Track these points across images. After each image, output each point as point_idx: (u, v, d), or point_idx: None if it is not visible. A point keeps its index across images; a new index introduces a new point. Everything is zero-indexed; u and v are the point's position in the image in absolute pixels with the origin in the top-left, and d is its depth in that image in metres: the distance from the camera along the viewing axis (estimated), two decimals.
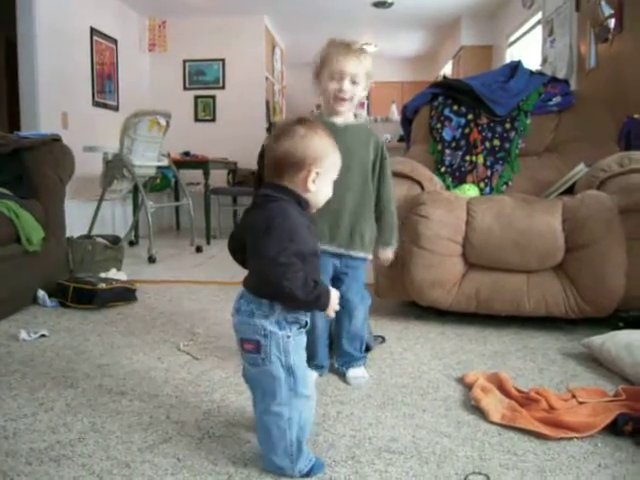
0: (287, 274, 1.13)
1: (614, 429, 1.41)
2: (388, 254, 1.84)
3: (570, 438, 1.39)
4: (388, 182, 1.80)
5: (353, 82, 1.69)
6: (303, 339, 1.26)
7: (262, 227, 1.16)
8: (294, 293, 1.14)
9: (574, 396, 1.57)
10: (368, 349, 2.02)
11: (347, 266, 1.77)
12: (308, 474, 1.22)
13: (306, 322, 1.25)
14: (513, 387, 1.64)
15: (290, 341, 1.20)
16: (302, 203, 1.22)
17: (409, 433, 1.43)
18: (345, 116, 1.76)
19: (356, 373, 1.80)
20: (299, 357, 1.22)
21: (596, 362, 1.94)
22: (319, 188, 1.22)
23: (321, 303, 1.20)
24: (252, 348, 1.21)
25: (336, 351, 1.87)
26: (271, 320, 1.19)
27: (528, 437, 1.40)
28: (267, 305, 1.19)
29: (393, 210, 1.82)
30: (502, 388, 1.64)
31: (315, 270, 1.24)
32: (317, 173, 1.20)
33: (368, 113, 8.21)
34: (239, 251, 1.26)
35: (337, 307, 1.25)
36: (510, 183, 2.92)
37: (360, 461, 1.30)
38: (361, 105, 8.54)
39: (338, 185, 1.31)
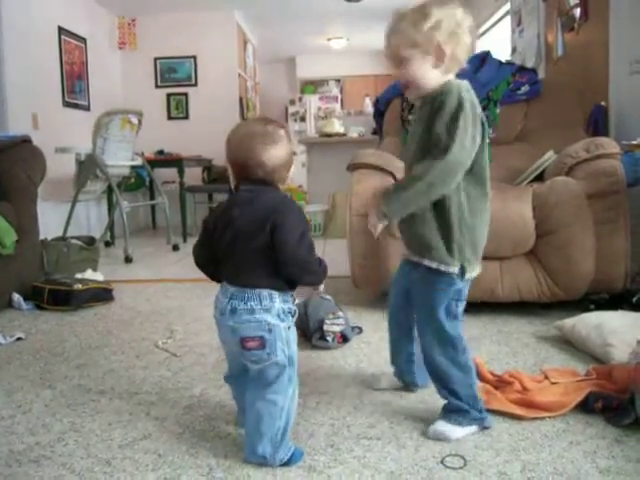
0: (312, 250, 1.23)
1: (585, 407, 1.46)
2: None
3: (543, 418, 1.43)
4: None
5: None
6: (294, 329, 1.29)
7: (282, 211, 1.19)
8: (315, 268, 1.24)
9: (547, 377, 1.61)
10: (346, 340, 2.04)
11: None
12: (288, 463, 1.24)
13: (295, 311, 1.28)
14: (488, 371, 1.68)
15: (291, 331, 1.25)
16: None
17: (387, 419, 1.46)
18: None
19: (441, 428, 1.37)
20: (295, 346, 1.27)
21: (568, 344, 1.99)
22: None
23: (325, 275, 1.28)
24: (256, 345, 1.21)
25: None
26: (272, 313, 1.21)
27: (502, 418, 1.44)
28: (267, 298, 1.21)
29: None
30: (477, 372, 1.67)
31: None
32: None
33: (342, 107, 8.23)
34: (209, 264, 1.30)
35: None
36: None
37: (339, 448, 1.32)
38: (334, 99, 8.56)
39: None
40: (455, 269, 1.34)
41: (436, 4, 1.27)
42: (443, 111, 1.24)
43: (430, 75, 1.29)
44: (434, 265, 1.34)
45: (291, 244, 1.18)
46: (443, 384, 1.39)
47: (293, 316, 1.27)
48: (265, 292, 1.21)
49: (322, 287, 1.31)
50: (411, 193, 1.27)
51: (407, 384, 1.62)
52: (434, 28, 1.24)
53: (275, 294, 1.22)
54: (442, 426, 1.36)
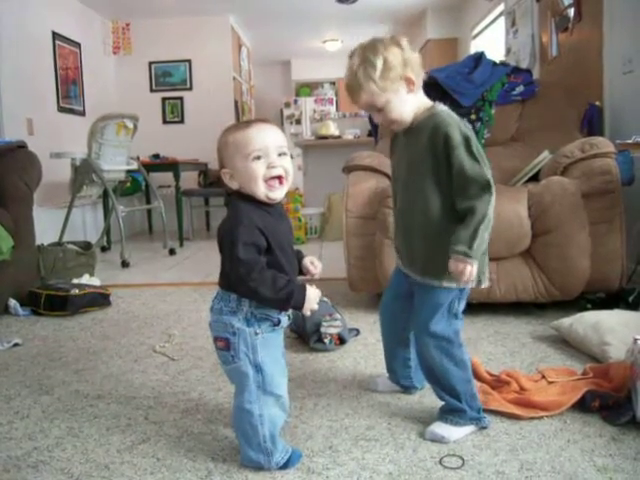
0: (252, 274, 1.14)
1: (582, 406, 1.46)
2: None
3: (540, 417, 1.43)
4: None
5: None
6: (276, 337, 1.25)
7: (222, 228, 1.19)
8: (262, 292, 1.15)
9: (544, 376, 1.62)
10: (343, 342, 2.04)
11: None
12: (285, 465, 1.24)
13: (279, 320, 1.24)
14: (485, 371, 1.68)
15: (258, 338, 1.20)
16: (249, 199, 1.21)
17: (385, 421, 1.46)
18: None
19: (439, 430, 1.37)
20: (268, 355, 1.22)
21: (565, 343, 1.99)
22: (237, 180, 1.21)
23: (294, 301, 1.18)
24: (223, 346, 1.22)
25: None
26: (239, 317, 1.20)
27: (500, 418, 1.44)
28: (235, 301, 1.20)
29: None
30: (475, 373, 1.68)
31: (288, 266, 1.23)
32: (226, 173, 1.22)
33: (337, 109, 8.23)
34: None
35: (315, 306, 1.21)
36: None
37: (338, 450, 1.32)
38: (329, 101, 8.57)
39: None
40: (472, 284, 1.35)
41: (371, 50, 1.32)
42: (453, 145, 1.28)
43: (409, 104, 1.35)
44: (453, 285, 1.34)
45: (223, 259, 1.19)
46: (441, 384, 1.39)
47: (276, 325, 1.24)
48: (234, 295, 1.20)
49: (308, 312, 1.22)
50: (483, 236, 1.27)
51: (405, 388, 1.63)
52: (388, 69, 1.30)
53: (243, 299, 1.20)
54: (439, 427, 1.36)
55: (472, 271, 1.28)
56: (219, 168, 1.25)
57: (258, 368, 1.21)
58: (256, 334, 1.20)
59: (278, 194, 1.21)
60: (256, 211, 1.20)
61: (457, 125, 1.31)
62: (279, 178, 1.20)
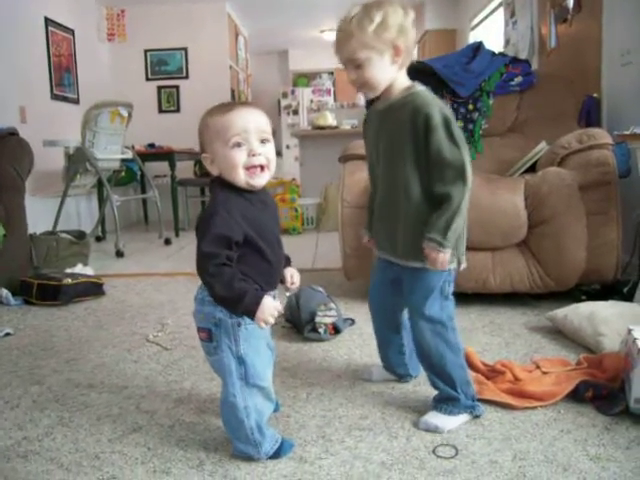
0: (209, 268, 1.10)
1: (576, 396, 1.45)
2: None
3: (534, 407, 1.43)
4: None
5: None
6: (260, 328, 1.18)
7: (200, 216, 1.16)
8: (215, 288, 1.11)
9: (538, 367, 1.61)
10: (338, 331, 2.03)
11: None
12: (276, 455, 1.23)
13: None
14: (480, 361, 1.67)
15: (241, 329, 1.17)
16: (230, 186, 1.18)
17: (378, 410, 1.45)
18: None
19: (433, 420, 1.36)
20: (251, 346, 1.18)
21: (560, 334, 1.99)
22: (219, 166, 1.18)
23: (244, 306, 1.11)
24: (205, 337, 1.20)
25: None
26: (220, 307, 1.16)
27: (494, 408, 1.43)
28: None
29: None
30: (469, 362, 1.67)
31: (271, 255, 1.19)
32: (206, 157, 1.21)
33: (334, 99, 8.19)
34: None
35: (270, 320, 1.13)
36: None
37: (330, 439, 1.31)
38: (327, 92, 8.53)
39: None
40: (453, 265, 1.35)
41: (376, 5, 1.30)
42: (432, 125, 1.26)
43: (388, 73, 1.32)
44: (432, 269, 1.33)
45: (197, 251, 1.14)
46: (436, 371, 1.39)
47: None
48: None
49: (262, 324, 1.14)
50: (458, 223, 1.28)
51: (400, 376, 1.62)
52: (383, 28, 1.27)
53: None
54: (433, 417, 1.36)
55: (445, 258, 1.29)
56: (200, 152, 1.23)
57: (241, 360, 1.18)
58: (239, 325, 1.17)
59: (259, 181, 1.17)
60: (236, 199, 1.16)
61: (438, 106, 1.28)
62: (261, 167, 1.17)
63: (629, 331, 1.46)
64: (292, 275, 1.30)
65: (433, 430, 1.33)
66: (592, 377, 1.50)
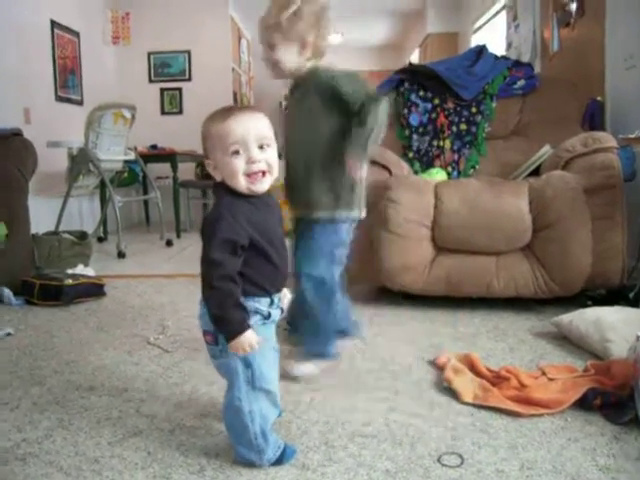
0: (212, 280, 1.10)
1: (584, 404, 1.43)
2: None
3: (541, 414, 1.41)
4: None
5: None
6: (266, 331, 1.19)
7: (205, 219, 1.16)
8: (209, 303, 1.12)
9: (544, 373, 1.59)
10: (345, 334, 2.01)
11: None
12: (278, 462, 1.21)
13: (269, 313, 1.20)
14: (484, 367, 1.65)
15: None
16: (234, 191, 1.17)
17: (382, 416, 1.43)
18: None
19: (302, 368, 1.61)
20: (258, 349, 1.16)
21: (565, 340, 1.96)
22: (221, 172, 1.17)
23: (226, 331, 1.11)
24: (210, 340, 1.18)
25: None
26: None
27: (500, 415, 1.41)
28: None
29: None
30: (474, 368, 1.65)
31: (277, 259, 1.18)
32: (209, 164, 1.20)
33: None
34: None
35: (247, 349, 1.11)
36: (477, 167, 2.95)
37: (334, 446, 1.29)
38: None
39: None
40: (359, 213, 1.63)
41: None
42: (334, 76, 1.54)
43: (293, 60, 1.57)
44: (344, 215, 1.59)
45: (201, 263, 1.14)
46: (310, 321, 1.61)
47: (267, 318, 1.19)
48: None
49: (237, 350, 1.13)
50: (374, 135, 1.52)
51: (343, 333, 1.73)
52: (297, 16, 1.50)
53: None
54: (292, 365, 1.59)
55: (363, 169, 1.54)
56: (204, 157, 1.22)
57: (247, 363, 1.16)
58: None
59: (260, 187, 1.15)
60: (241, 203, 1.15)
61: (335, 68, 1.56)
62: (262, 172, 1.15)
63: (637, 338, 1.43)
64: (285, 295, 1.27)
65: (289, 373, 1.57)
66: (600, 384, 1.48)
